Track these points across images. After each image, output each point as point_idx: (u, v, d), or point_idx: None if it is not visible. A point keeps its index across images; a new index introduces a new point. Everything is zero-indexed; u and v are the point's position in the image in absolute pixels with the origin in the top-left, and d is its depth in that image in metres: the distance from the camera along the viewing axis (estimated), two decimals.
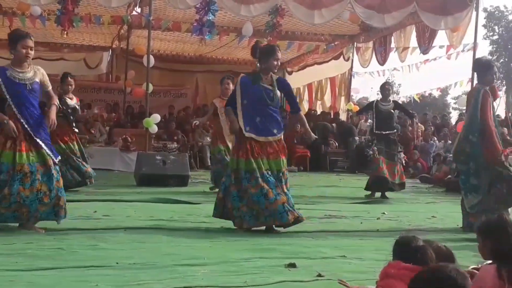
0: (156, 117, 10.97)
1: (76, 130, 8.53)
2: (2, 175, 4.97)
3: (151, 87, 11.01)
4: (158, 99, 16.44)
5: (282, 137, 5.68)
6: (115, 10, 12.22)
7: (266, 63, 5.55)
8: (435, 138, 15.41)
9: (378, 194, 9.00)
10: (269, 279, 3.65)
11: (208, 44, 13.95)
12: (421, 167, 14.00)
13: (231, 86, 8.54)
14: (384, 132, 8.85)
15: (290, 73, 19.09)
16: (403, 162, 9.21)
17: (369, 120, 18.19)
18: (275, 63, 5.57)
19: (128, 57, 15.50)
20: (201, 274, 3.74)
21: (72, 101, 8.40)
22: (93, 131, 13.41)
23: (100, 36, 16.28)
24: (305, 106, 19.17)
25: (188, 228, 5.58)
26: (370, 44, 14.40)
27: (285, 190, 5.53)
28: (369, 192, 8.98)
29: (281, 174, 5.53)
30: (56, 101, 5.41)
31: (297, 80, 19.20)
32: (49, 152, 5.14)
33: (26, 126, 5.04)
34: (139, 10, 12.74)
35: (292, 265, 4.02)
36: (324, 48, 14.66)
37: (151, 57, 10.95)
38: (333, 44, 14.93)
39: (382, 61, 13.95)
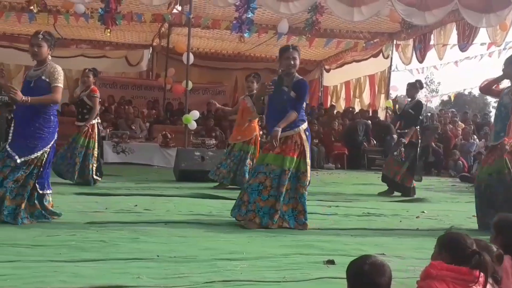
0: (195, 114, 11.09)
1: (79, 123, 8.38)
2: None
3: (190, 85, 11.13)
4: (197, 96, 16.59)
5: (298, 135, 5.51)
6: (156, 8, 12.38)
7: (281, 63, 5.53)
8: (475, 137, 15.14)
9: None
10: (308, 275, 3.66)
11: (246, 42, 14.00)
12: (462, 166, 13.78)
13: (255, 85, 8.60)
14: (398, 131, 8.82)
15: (328, 70, 19.00)
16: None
17: None
18: (288, 62, 5.44)
19: (168, 55, 15.69)
20: (240, 268, 3.76)
21: (85, 92, 8.37)
22: (133, 127, 13.63)
23: (141, 34, 16.51)
24: (341, 104, 19.06)
25: (227, 223, 5.60)
26: (410, 41, 14.22)
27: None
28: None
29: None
30: (50, 98, 5.08)
31: (334, 78, 19.09)
32: (10, 152, 4.99)
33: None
34: (179, 8, 12.88)
35: (331, 262, 4.02)
36: (363, 46, 14.53)
37: (191, 55, 11.06)
38: (372, 42, 14.79)
39: (421, 58, 13.75)
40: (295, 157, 5.43)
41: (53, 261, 3.72)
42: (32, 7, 11.35)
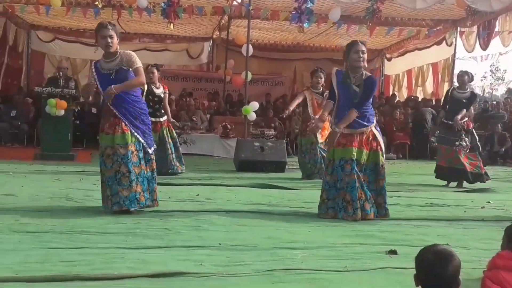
0: (255, 105, 11.15)
1: (161, 119, 8.55)
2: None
3: (250, 76, 11.19)
4: (256, 87, 16.66)
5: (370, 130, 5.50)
6: (216, 0, 12.49)
7: (348, 58, 5.41)
8: None
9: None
10: (369, 264, 3.64)
11: (306, 32, 13.92)
12: None
13: (323, 80, 8.57)
14: (450, 122, 8.41)
15: (389, 59, 18.65)
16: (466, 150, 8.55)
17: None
18: (356, 56, 5.33)
19: (228, 47, 15.80)
20: (300, 257, 3.77)
21: (159, 90, 8.49)
22: (194, 119, 13.84)
23: (202, 26, 16.69)
24: (404, 93, 18.67)
25: (287, 212, 5.62)
26: (474, 28, 13.75)
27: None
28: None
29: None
30: (137, 80, 5.18)
31: (396, 66, 18.72)
32: (141, 140, 5.22)
33: (119, 116, 5.16)
34: (239, 0, 12.95)
35: (393, 252, 3.97)
36: (426, 33, 14.17)
37: (250, 46, 11.11)
38: (435, 29, 14.40)
39: (485, 45, 13.26)
40: (367, 150, 5.43)
41: (119, 248, 3.83)
42: (97, 2, 11.68)
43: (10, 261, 3.37)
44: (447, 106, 8.63)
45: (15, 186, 6.62)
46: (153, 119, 8.24)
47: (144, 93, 7.48)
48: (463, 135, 8.42)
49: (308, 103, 8.69)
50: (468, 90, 8.63)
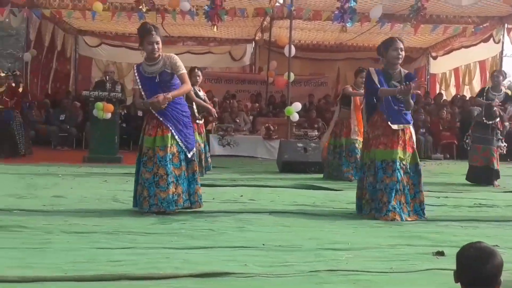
0: (297, 106, 11.13)
1: (199, 121, 8.59)
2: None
3: (292, 77, 11.17)
4: (299, 88, 16.61)
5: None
6: (258, 2, 12.53)
7: (387, 55, 5.35)
8: None
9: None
10: (416, 266, 3.57)
11: (348, 32, 13.81)
12: None
13: None
14: (488, 122, 8.32)
15: (434, 57, 18.31)
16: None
17: None
18: (395, 53, 5.27)
19: (270, 48, 15.83)
20: (345, 258, 3.73)
21: (201, 92, 8.58)
22: (237, 121, 13.92)
23: (244, 28, 16.77)
24: (451, 92, 18.29)
25: (331, 213, 5.59)
26: None
27: None
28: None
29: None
30: (185, 87, 5.28)
31: (442, 65, 18.37)
32: (181, 144, 5.23)
33: (161, 119, 5.19)
34: (281, 1, 12.96)
35: (441, 253, 3.89)
36: (472, 31, 13.84)
37: (292, 47, 11.09)
38: (481, 27, 14.06)
39: None
40: (410, 152, 5.38)
41: (165, 248, 3.87)
42: (141, 7, 11.88)
43: (59, 260, 3.46)
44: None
45: (65, 188, 6.81)
46: (196, 121, 8.41)
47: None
48: (499, 135, 8.27)
49: (351, 100, 8.63)
50: (502, 91, 8.51)
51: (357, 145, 8.38)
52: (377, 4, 11.81)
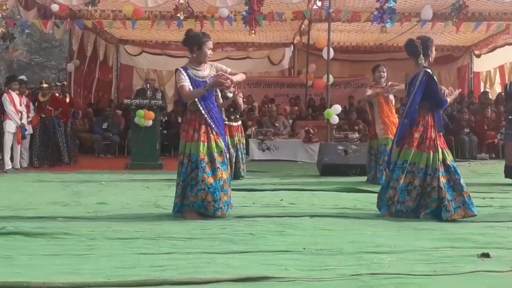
0: (337, 108, 11.06)
1: (234, 124, 8.68)
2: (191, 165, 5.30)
3: (331, 79, 11.11)
4: (339, 90, 16.52)
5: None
6: (296, 6, 12.52)
7: (431, 55, 5.57)
8: None
9: None
10: (460, 268, 3.49)
11: (388, 32, 13.67)
12: None
13: (386, 75, 8.49)
14: None
15: (478, 56, 17.94)
16: None
17: None
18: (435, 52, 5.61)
19: (309, 51, 15.79)
20: (387, 261, 3.69)
21: (231, 94, 8.30)
22: (277, 125, 13.92)
23: (282, 32, 16.80)
24: (497, 89, 17.88)
25: (373, 216, 5.53)
26: None
27: None
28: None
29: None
30: (242, 75, 5.62)
31: (486, 63, 17.99)
32: (223, 145, 5.36)
33: (209, 120, 5.31)
34: (319, 3, 12.92)
35: (486, 255, 3.80)
36: None
37: (331, 50, 11.04)
38: None
39: None
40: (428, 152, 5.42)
41: (206, 253, 3.89)
42: (179, 14, 12.03)
43: (103, 266, 3.52)
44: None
45: (108, 195, 6.95)
46: (229, 123, 8.43)
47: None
48: None
49: (373, 101, 8.44)
50: None
51: (385, 146, 8.07)
52: (421, 4, 11.66)
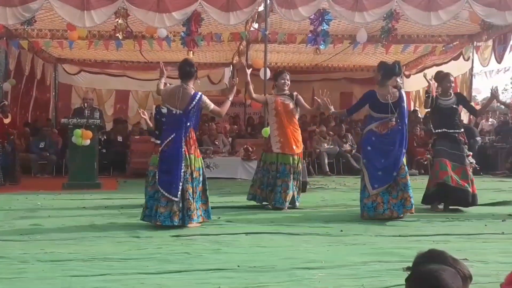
0: None
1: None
2: None
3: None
4: None
5: None
6: (234, 27, 12.73)
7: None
8: None
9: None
10: (386, 282, 3.67)
11: (323, 53, 14.06)
12: None
13: (289, 82, 7.92)
14: (448, 131, 7.43)
15: (408, 76, 18.63)
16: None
17: (490, 119, 17.19)
18: None
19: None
20: (318, 277, 3.82)
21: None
22: (217, 143, 14.01)
23: (221, 53, 16.94)
24: (425, 108, 18.60)
25: (307, 232, 5.66)
26: (490, 42, 13.73)
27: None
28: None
29: None
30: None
31: (415, 83, 18.67)
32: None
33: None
34: (256, 25, 13.15)
35: (410, 268, 3.99)
36: (442, 49, 14.18)
37: (267, 70, 11.27)
38: (451, 45, 14.40)
39: (500, 59, 13.23)
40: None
41: (140, 274, 3.92)
42: (118, 34, 11.98)
43: None
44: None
45: (43, 216, 6.79)
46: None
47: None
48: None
49: (267, 108, 8.00)
50: (452, 95, 7.77)
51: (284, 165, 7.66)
52: (353, 27, 12.07)
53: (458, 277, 1.89)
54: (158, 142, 6.56)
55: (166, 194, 5.80)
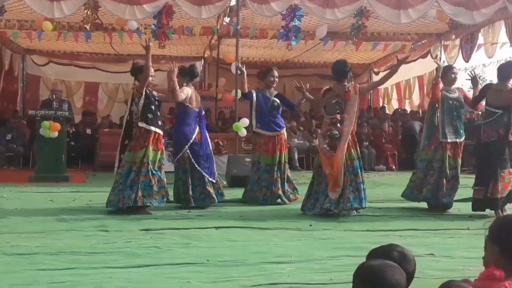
0: (245, 121, 11.25)
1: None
2: None
3: (240, 93, 11.30)
4: (247, 104, 16.72)
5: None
6: (205, 21, 12.66)
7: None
8: None
9: None
10: None
11: (294, 49, 14.08)
12: None
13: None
14: None
15: (376, 73, 18.80)
16: None
17: None
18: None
19: (219, 65, 15.95)
20: (287, 271, 3.85)
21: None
22: None
23: (193, 46, 16.84)
24: (394, 105, 18.86)
25: (277, 227, 5.69)
26: (457, 41, 13.95)
27: None
28: None
29: None
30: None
31: None
32: None
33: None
34: (227, 20, 13.10)
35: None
36: (411, 48, 14.35)
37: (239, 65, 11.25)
38: (420, 43, 14.59)
39: (467, 58, 13.47)
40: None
41: (109, 268, 3.89)
42: (86, 26, 11.78)
43: (0, 283, 3.44)
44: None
45: (8, 209, 6.69)
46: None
47: None
48: None
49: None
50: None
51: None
52: (322, 24, 12.11)
53: (400, 272, 1.95)
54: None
55: None
